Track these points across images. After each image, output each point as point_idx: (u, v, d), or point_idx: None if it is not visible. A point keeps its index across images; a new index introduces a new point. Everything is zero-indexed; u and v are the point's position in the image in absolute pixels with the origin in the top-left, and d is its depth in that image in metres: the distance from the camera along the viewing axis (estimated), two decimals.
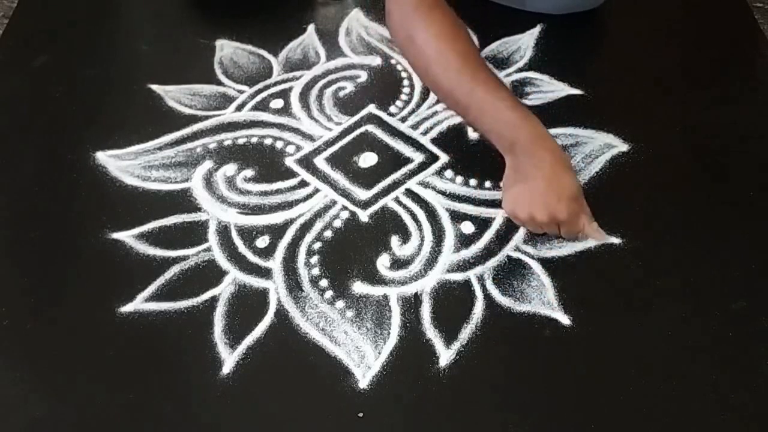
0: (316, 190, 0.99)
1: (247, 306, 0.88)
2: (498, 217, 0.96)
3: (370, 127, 1.06)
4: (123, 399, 0.81)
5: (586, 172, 1.00)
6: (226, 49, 1.17)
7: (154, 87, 1.12)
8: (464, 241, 0.93)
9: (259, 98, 1.11)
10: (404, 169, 1.01)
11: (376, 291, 0.89)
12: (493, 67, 1.09)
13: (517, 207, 0.92)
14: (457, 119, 1.07)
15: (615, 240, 0.93)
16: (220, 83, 1.12)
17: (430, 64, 0.95)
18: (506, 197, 0.94)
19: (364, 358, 0.84)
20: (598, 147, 1.03)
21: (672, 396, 0.80)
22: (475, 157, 1.02)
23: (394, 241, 0.94)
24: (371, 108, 1.08)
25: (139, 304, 0.89)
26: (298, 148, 1.04)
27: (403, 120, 1.07)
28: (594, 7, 1.19)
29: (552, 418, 0.80)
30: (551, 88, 1.10)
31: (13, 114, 1.11)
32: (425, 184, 0.99)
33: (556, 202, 0.90)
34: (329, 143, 1.05)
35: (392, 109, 1.08)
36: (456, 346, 0.84)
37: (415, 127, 1.06)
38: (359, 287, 0.90)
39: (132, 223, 0.95)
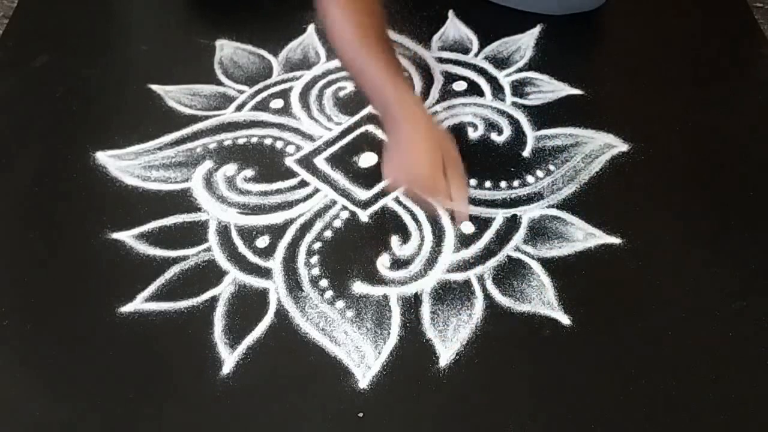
0: (316, 190, 0.99)
1: (247, 306, 0.88)
2: (498, 217, 0.96)
3: (370, 127, 1.06)
4: (123, 399, 0.81)
5: (586, 172, 1.00)
6: (226, 49, 1.17)
7: (154, 87, 1.12)
8: (464, 241, 0.94)
9: (259, 98, 1.11)
10: None
11: (376, 291, 0.89)
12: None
13: (389, 172, 0.92)
14: (457, 119, 1.07)
15: (614, 240, 0.93)
16: (220, 83, 1.12)
17: (335, 36, 0.96)
18: (383, 165, 0.93)
19: (364, 358, 0.84)
20: (598, 147, 1.03)
21: (672, 396, 0.80)
22: (475, 157, 1.02)
23: (394, 241, 0.94)
24: (371, 108, 1.08)
25: (139, 304, 0.89)
26: (298, 148, 1.04)
27: None
28: (594, 7, 1.19)
29: (552, 417, 0.80)
30: (551, 88, 1.10)
31: (13, 114, 1.11)
32: None
33: (413, 165, 0.89)
34: (329, 143, 1.05)
35: None
36: (456, 346, 0.84)
37: None
38: (359, 287, 0.90)
39: (132, 223, 0.95)
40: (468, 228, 0.95)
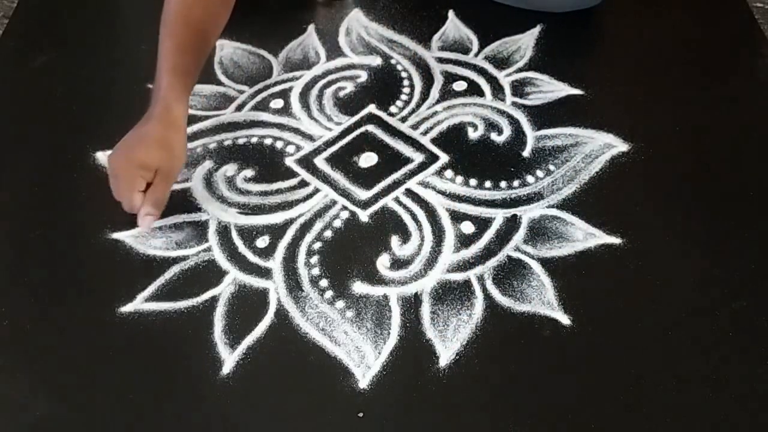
0: (316, 190, 0.99)
1: (247, 306, 0.88)
2: (498, 217, 0.96)
3: (370, 127, 1.06)
4: (123, 399, 0.81)
5: (586, 172, 1.00)
6: (226, 49, 1.17)
7: None
8: (464, 241, 0.94)
9: (259, 98, 1.11)
10: (404, 169, 1.01)
11: (376, 291, 0.89)
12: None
13: (113, 150, 0.93)
14: (457, 119, 1.07)
15: (614, 240, 0.93)
16: (220, 83, 1.13)
17: (164, 9, 0.97)
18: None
19: (364, 358, 0.84)
20: (598, 147, 1.03)
21: (672, 396, 0.80)
22: (475, 157, 1.02)
23: (394, 241, 0.94)
24: (371, 108, 1.08)
25: (139, 304, 0.89)
26: (298, 148, 1.04)
27: (403, 120, 1.07)
28: (594, 5, 1.19)
29: (552, 418, 0.80)
30: (551, 88, 1.10)
31: (13, 114, 1.11)
32: (425, 184, 0.99)
33: (122, 157, 0.91)
34: (329, 143, 1.05)
35: (392, 109, 1.08)
36: (456, 346, 0.84)
37: (415, 127, 1.06)
38: (359, 287, 0.90)
39: (132, 223, 0.95)
40: (468, 228, 0.95)
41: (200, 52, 0.97)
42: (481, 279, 0.90)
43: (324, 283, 0.90)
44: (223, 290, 0.90)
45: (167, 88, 0.92)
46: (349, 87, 1.12)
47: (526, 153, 1.03)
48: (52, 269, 0.93)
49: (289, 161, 1.03)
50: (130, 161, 0.90)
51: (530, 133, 1.05)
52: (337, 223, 0.96)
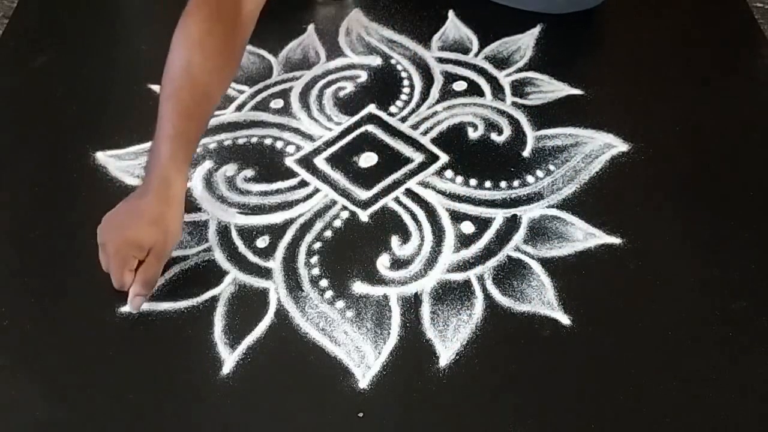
0: (316, 190, 0.99)
1: (247, 306, 0.88)
2: (498, 217, 0.96)
3: (370, 127, 1.06)
4: (123, 399, 0.81)
5: (586, 172, 1.00)
6: None
7: (154, 87, 1.11)
8: (464, 241, 0.94)
9: (259, 98, 1.11)
10: (404, 169, 1.01)
11: (376, 291, 0.89)
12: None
13: (105, 219, 0.88)
14: (457, 119, 1.07)
15: (614, 240, 0.93)
16: None
17: (169, 57, 0.90)
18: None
19: (364, 358, 0.84)
20: (598, 147, 1.03)
21: (672, 396, 0.80)
22: (475, 157, 1.02)
23: (394, 241, 0.94)
24: (371, 108, 1.08)
25: None
26: (298, 148, 1.04)
27: (403, 120, 1.07)
28: (594, 6, 1.19)
29: (552, 418, 0.80)
30: (551, 88, 1.10)
31: (13, 114, 1.11)
32: (425, 184, 0.99)
33: (109, 228, 0.87)
34: (329, 143, 1.05)
35: (392, 109, 1.08)
36: (456, 346, 0.84)
37: (415, 127, 1.06)
38: (359, 287, 0.90)
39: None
40: (468, 228, 0.95)
41: (203, 117, 0.91)
42: (481, 279, 0.90)
43: (324, 283, 0.90)
44: (223, 290, 0.90)
45: (168, 159, 0.86)
46: (349, 87, 1.12)
47: (526, 153, 1.03)
48: (52, 269, 0.93)
49: (289, 161, 1.03)
50: (123, 238, 0.85)
51: (530, 133, 1.05)
52: (337, 223, 0.96)
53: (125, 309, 0.87)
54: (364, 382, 0.82)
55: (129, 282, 0.85)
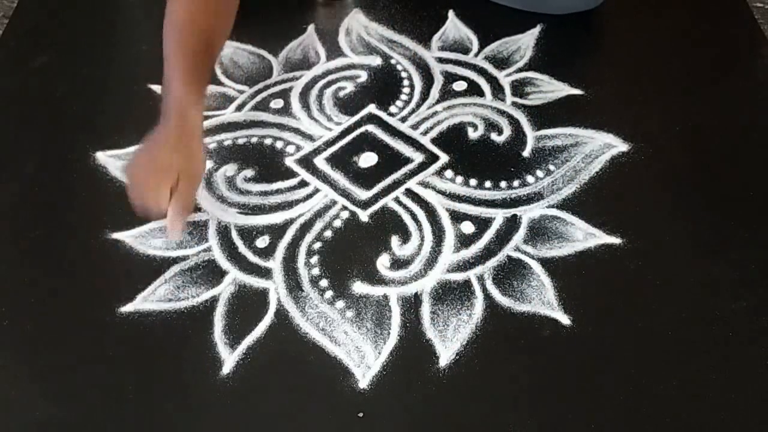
0: (316, 190, 0.99)
1: (247, 306, 0.88)
2: (498, 217, 0.96)
3: (370, 127, 1.06)
4: (123, 399, 0.81)
5: (586, 172, 1.00)
6: (226, 49, 1.17)
7: (154, 87, 1.12)
8: (464, 241, 0.94)
9: (259, 98, 1.11)
10: (404, 169, 1.01)
11: (376, 291, 0.89)
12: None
13: (129, 162, 0.91)
14: (457, 119, 1.07)
15: (614, 240, 0.93)
16: (220, 83, 1.12)
17: (168, 9, 0.93)
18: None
19: (364, 358, 0.84)
20: (598, 147, 1.03)
21: (672, 396, 0.80)
22: (475, 157, 1.02)
23: (394, 241, 0.94)
24: (371, 108, 1.08)
25: (139, 304, 0.89)
26: (298, 148, 1.04)
27: (403, 120, 1.07)
28: (594, 7, 1.19)
29: (552, 418, 0.80)
30: (551, 88, 1.10)
31: (13, 114, 1.11)
32: (425, 184, 0.99)
33: (143, 165, 0.88)
34: (329, 143, 1.05)
35: (392, 109, 1.08)
36: (456, 346, 0.84)
37: (415, 127, 1.06)
38: (359, 287, 0.90)
39: (132, 223, 0.95)
40: (468, 228, 0.95)
41: (209, 59, 0.94)
42: (481, 279, 0.90)
43: (324, 283, 0.90)
44: (223, 290, 0.90)
45: (180, 97, 0.88)
46: (349, 87, 1.12)
47: (526, 153, 1.03)
48: (52, 269, 0.93)
49: (289, 161, 1.03)
50: (151, 166, 0.87)
51: (530, 133, 1.05)
52: (337, 223, 0.96)
53: (166, 240, 0.91)
54: (364, 382, 0.82)
55: (165, 205, 0.85)
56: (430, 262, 0.92)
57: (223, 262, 0.92)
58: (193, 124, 0.89)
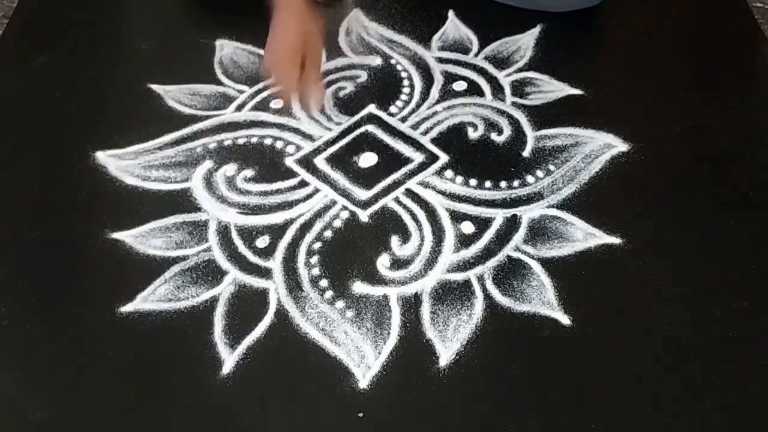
0: (316, 190, 0.99)
1: (247, 306, 0.88)
2: (498, 217, 0.96)
3: (370, 127, 1.06)
4: (123, 399, 0.81)
5: (586, 172, 1.00)
6: (226, 49, 1.17)
7: (154, 87, 1.12)
8: (464, 241, 0.94)
9: (259, 98, 1.11)
10: (404, 169, 1.01)
11: (376, 291, 0.89)
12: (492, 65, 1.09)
13: (265, 53, 1.00)
14: (457, 119, 1.07)
15: (614, 240, 0.93)
16: (220, 83, 1.12)
17: None
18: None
19: (364, 358, 0.84)
20: (598, 147, 1.03)
21: (672, 396, 0.80)
22: (475, 157, 1.02)
23: (394, 241, 0.94)
24: (371, 108, 1.08)
25: (139, 304, 0.89)
26: (298, 148, 1.04)
27: (403, 120, 1.07)
28: (594, 4, 1.19)
29: (552, 417, 0.80)
30: (551, 88, 1.10)
31: (13, 114, 1.11)
32: (425, 184, 0.99)
33: (272, 45, 0.97)
34: (329, 143, 1.05)
35: (392, 109, 1.08)
36: (456, 346, 0.84)
37: (415, 127, 1.06)
38: (359, 287, 0.90)
39: (132, 223, 0.95)
40: (468, 228, 0.95)
41: None
42: (481, 279, 0.90)
43: (324, 283, 0.90)
44: (223, 290, 0.90)
45: None
46: (349, 87, 1.12)
47: (526, 153, 1.03)
48: (52, 269, 0.93)
49: (289, 161, 1.03)
50: (281, 47, 0.96)
51: (530, 133, 1.05)
52: (337, 223, 0.96)
53: (314, 107, 1.05)
54: (364, 382, 0.82)
55: (296, 81, 0.96)
56: (430, 262, 0.92)
57: (223, 262, 0.92)
58: (300, 6, 0.98)
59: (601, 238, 0.93)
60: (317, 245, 0.93)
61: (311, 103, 1.06)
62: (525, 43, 1.17)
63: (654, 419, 0.79)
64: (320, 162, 1.02)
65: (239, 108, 1.09)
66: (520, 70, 1.13)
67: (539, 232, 0.94)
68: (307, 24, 0.98)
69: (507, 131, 1.05)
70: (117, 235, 0.95)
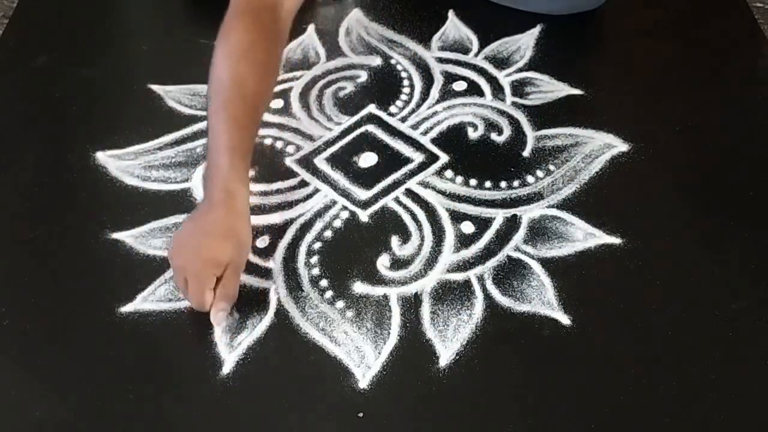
0: (316, 190, 0.99)
1: (247, 306, 0.88)
2: (498, 217, 0.96)
3: (370, 127, 1.06)
4: (123, 399, 0.81)
5: (586, 172, 1.00)
6: None
7: (154, 87, 1.12)
8: (464, 241, 0.94)
9: None
10: (404, 169, 1.01)
11: (376, 291, 0.89)
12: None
13: (174, 243, 0.86)
14: (457, 119, 1.07)
15: (614, 240, 0.93)
16: None
17: (213, 67, 0.91)
18: (175, 233, 0.89)
19: (364, 358, 0.84)
20: (598, 147, 1.03)
21: (672, 396, 0.80)
22: (475, 157, 1.02)
23: (394, 241, 0.94)
24: (371, 108, 1.08)
25: (139, 304, 0.89)
26: (298, 148, 1.04)
27: (403, 120, 1.07)
28: (594, 7, 1.19)
29: (552, 418, 0.80)
30: (551, 88, 1.10)
31: (13, 114, 1.11)
32: (425, 184, 0.99)
33: (180, 249, 0.85)
34: (329, 143, 1.05)
35: (392, 109, 1.08)
36: (456, 346, 0.84)
37: (415, 127, 1.06)
38: (359, 287, 0.90)
39: (132, 223, 0.95)
40: (468, 228, 0.95)
41: (255, 126, 0.91)
42: (481, 279, 0.90)
43: (324, 283, 0.90)
44: None
45: (229, 170, 0.85)
46: (349, 87, 1.12)
47: (526, 153, 1.03)
48: (52, 269, 0.93)
49: (289, 161, 1.03)
50: (200, 259, 0.82)
51: (530, 133, 1.05)
52: (337, 223, 0.96)
53: (217, 332, 0.85)
54: (364, 382, 0.82)
55: (210, 301, 0.83)
56: (430, 262, 0.92)
57: None
58: (241, 202, 0.86)
59: (601, 238, 0.93)
60: (317, 245, 0.93)
61: (213, 322, 0.85)
62: (525, 43, 1.17)
63: (654, 419, 0.79)
64: (320, 162, 1.02)
65: None
66: (520, 70, 1.13)
67: (539, 232, 0.94)
68: (239, 237, 0.85)
69: (507, 131, 1.05)
70: (117, 236, 0.95)
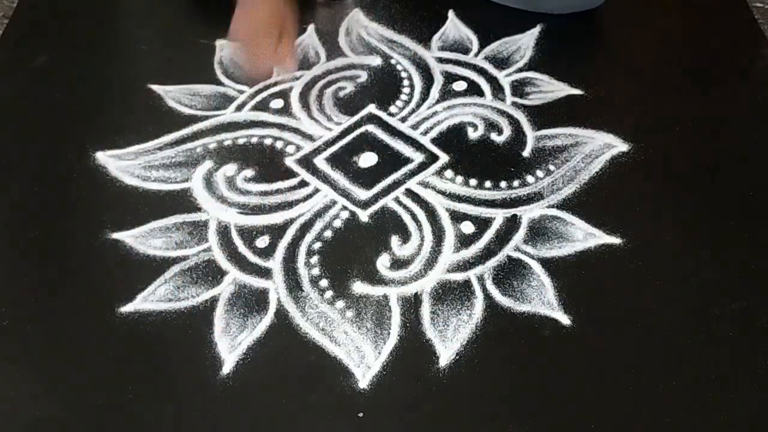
0: (316, 190, 0.99)
1: (247, 306, 0.88)
2: (498, 217, 0.96)
3: (370, 127, 1.06)
4: (123, 399, 0.81)
5: (586, 172, 1.00)
6: (226, 49, 1.17)
7: (154, 87, 1.12)
8: (464, 241, 0.94)
9: (259, 98, 1.11)
10: (404, 169, 1.01)
11: (376, 291, 0.89)
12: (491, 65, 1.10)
13: (231, 27, 0.96)
14: (457, 119, 1.07)
15: (614, 240, 0.93)
16: (220, 83, 1.12)
17: None
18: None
19: (364, 358, 0.84)
20: (598, 147, 1.03)
21: (672, 396, 0.80)
22: (475, 157, 1.02)
23: (394, 241, 0.94)
24: (371, 108, 1.08)
25: (139, 304, 0.89)
26: (298, 148, 1.04)
27: (403, 120, 1.07)
28: (594, 6, 1.19)
29: (552, 418, 0.80)
30: (551, 88, 1.10)
31: (13, 114, 1.11)
32: (425, 184, 0.99)
33: (238, 28, 0.95)
34: (329, 143, 1.05)
35: (392, 109, 1.08)
36: (456, 346, 0.84)
37: (415, 127, 1.06)
38: (359, 287, 0.90)
39: (132, 223, 0.95)
40: (468, 228, 0.95)
41: None
42: (481, 279, 0.90)
43: (324, 283, 0.90)
44: (223, 290, 0.90)
45: None
46: (349, 87, 1.12)
47: (526, 153, 1.03)
48: (52, 269, 0.93)
49: (289, 161, 1.03)
50: (253, 26, 0.93)
51: (530, 133, 1.05)
52: (337, 223, 0.96)
53: (283, 82, 1.01)
54: (364, 382, 0.82)
55: (271, 63, 0.96)
56: (430, 262, 0.92)
57: (223, 262, 0.92)
58: None
59: (601, 238, 0.93)
60: (317, 245, 0.93)
61: (285, 74, 1.00)
62: (525, 43, 1.17)
63: (654, 419, 0.79)
64: (320, 162, 1.02)
65: (239, 108, 1.09)
66: (520, 70, 1.13)
67: (539, 232, 0.94)
68: (284, 4, 0.96)
69: (507, 131, 1.05)
70: (117, 236, 0.95)
